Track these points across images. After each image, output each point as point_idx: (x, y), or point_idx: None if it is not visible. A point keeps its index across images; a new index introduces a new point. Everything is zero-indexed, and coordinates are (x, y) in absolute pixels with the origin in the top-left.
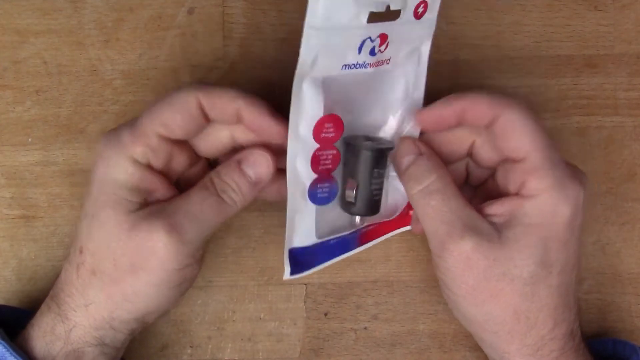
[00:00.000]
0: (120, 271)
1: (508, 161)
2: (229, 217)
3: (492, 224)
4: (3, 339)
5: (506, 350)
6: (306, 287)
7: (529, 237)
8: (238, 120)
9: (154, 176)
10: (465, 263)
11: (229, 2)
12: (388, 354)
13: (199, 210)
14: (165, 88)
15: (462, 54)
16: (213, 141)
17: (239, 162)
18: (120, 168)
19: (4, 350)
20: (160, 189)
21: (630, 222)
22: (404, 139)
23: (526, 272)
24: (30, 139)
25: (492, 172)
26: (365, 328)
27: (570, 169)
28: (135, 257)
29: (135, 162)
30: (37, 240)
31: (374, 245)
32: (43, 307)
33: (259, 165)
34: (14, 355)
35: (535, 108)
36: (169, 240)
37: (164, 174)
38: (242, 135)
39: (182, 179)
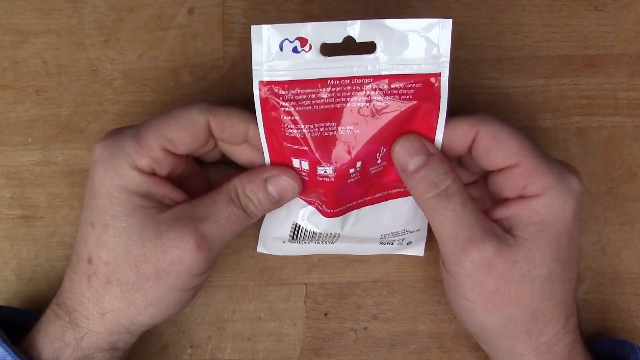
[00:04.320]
0: (144, 278)
1: (499, 171)
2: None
3: (502, 227)
4: (4, 342)
5: (523, 352)
6: (306, 287)
7: (545, 235)
8: (244, 140)
9: (161, 182)
10: (486, 268)
11: (229, 2)
12: (388, 354)
13: (227, 223)
14: (165, 88)
15: (462, 54)
16: (214, 154)
17: (265, 181)
18: (127, 177)
19: (5, 353)
20: (170, 192)
21: (630, 222)
22: (408, 136)
23: (545, 271)
24: (30, 139)
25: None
26: (365, 328)
27: (562, 163)
28: (161, 264)
29: (142, 171)
30: (37, 240)
31: None
32: (49, 313)
33: (285, 191)
34: None
35: (535, 108)
36: (198, 249)
37: (168, 178)
38: (245, 152)
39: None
